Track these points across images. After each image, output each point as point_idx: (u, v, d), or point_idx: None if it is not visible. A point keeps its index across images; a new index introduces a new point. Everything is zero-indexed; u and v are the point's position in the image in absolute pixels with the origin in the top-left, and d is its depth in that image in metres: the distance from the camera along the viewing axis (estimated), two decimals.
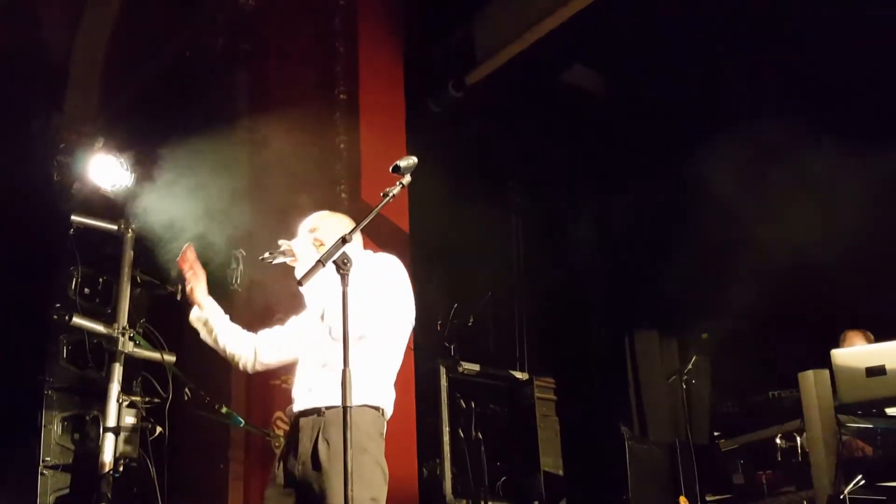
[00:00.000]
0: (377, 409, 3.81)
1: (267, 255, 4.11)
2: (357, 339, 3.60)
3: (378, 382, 3.83)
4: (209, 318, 4.26)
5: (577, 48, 7.74)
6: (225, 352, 4.28)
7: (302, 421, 3.80)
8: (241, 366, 4.30)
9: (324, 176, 6.76)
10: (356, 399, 3.55)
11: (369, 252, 4.16)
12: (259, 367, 4.32)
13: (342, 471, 3.28)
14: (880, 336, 6.06)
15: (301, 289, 3.79)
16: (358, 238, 4.12)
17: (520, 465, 6.74)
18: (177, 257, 4.35)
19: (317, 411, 3.77)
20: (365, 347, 3.74)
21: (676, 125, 7.91)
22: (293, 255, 4.04)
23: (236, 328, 4.32)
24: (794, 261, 7.30)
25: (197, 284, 4.26)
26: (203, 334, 4.32)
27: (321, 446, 3.69)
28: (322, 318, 3.83)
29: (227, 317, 4.33)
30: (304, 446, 3.75)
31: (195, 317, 4.30)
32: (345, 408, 3.35)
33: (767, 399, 6.73)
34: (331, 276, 3.48)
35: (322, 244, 4.05)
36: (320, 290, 3.75)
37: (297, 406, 3.87)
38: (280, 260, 4.09)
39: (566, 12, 7.04)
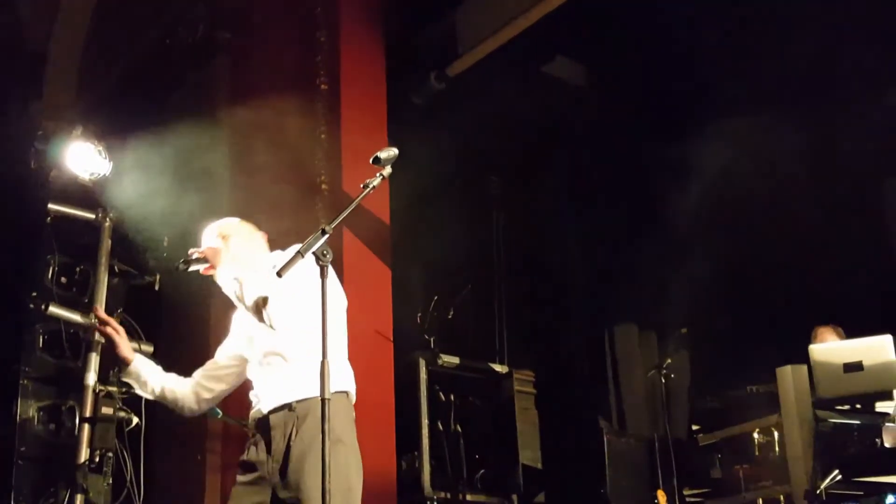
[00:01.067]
0: (345, 392, 3.82)
1: (181, 263, 4.07)
2: (307, 331, 3.68)
3: (339, 366, 3.79)
4: (140, 371, 4.19)
5: (560, 40, 7.73)
6: (165, 399, 4.21)
7: (273, 419, 3.80)
8: (186, 410, 4.24)
9: (304, 166, 6.73)
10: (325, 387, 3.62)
11: (277, 252, 4.14)
12: (205, 406, 4.30)
13: (318, 464, 3.29)
14: (851, 332, 6.10)
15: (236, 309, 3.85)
16: (262, 239, 4.20)
17: (498, 458, 6.73)
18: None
19: (287, 406, 3.78)
20: (309, 340, 3.72)
21: (658, 117, 7.93)
22: (208, 262, 4.01)
23: (172, 376, 4.26)
24: (773, 255, 7.35)
25: (120, 342, 4.20)
26: (138, 389, 4.25)
27: (295, 442, 3.69)
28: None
29: (160, 367, 4.28)
30: (278, 443, 3.75)
31: (125, 376, 4.25)
32: (323, 400, 3.34)
33: (745, 394, 6.76)
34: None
35: (231, 254, 4.04)
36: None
37: (265, 406, 3.86)
38: (195, 268, 4.05)
39: (549, 4, 7.03)
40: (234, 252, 4.05)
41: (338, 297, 3.93)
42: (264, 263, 3.97)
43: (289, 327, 3.78)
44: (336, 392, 3.67)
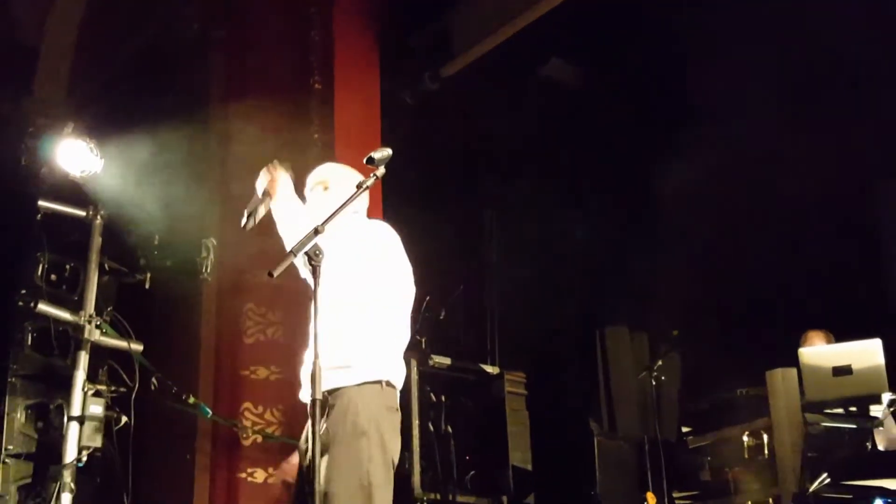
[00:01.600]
0: (378, 383, 3.70)
1: (246, 217, 3.85)
2: (347, 305, 3.64)
3: (377, 353, 3.73)
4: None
5: (555, 42, 7.73)
6: None
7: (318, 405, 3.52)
8: None
9: (297, 165, 6.69)
10: (353, 378, 3.62)
11: (363, 219, 4.07)
12: None
13: (336, 456, 3.40)
14: (840, 337, 6.11)
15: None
16: (356, 203, 3.95)
17: (489, 460, 6.72)
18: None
19: (325, 394, 3.60)
20: (358, 316, 3.70)
21: (653, 119, 7.93)
22: (270, 196, 3.86)
23: None
24: (763, 260, 7.36)
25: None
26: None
27: (321, 435, 3.53)
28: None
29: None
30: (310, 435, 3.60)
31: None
32: (313, 400, 3.33)
33: (735, 396, 6.76)
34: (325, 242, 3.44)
35: (327, 188, 3.97)
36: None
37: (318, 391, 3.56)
38: (263, 212, 3.86)
39: (544, 6, 7.03)
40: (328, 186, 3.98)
41: (395, 283, 3.86)
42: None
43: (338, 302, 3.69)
44: (366, 382, 3.64)
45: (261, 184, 3.95)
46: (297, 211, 3.89)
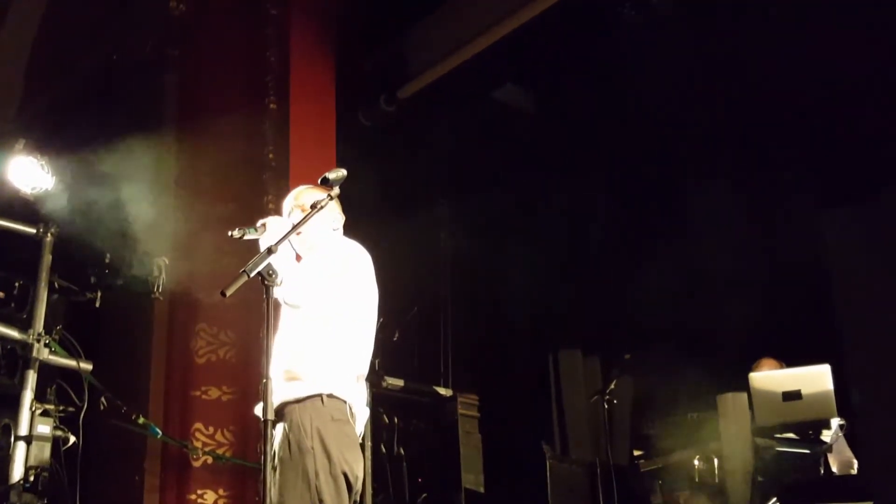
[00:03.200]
0: (318, 396, 3.73)
1: (236, 231, 3.95)
2: (303, 319, 3.75)
3: (323, 367, 3.76)
4: None
5: (509, 67, 7.78)
6: None
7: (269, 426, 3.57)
8: None
9: (252, 185, 6.70)
10: (297, 392, 3.68)
11: (338, 236, 4.15)
12: None
13: (286, 477, 3.48)
14: (800, 361, 6.18)
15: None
16: (334, 221, 4.15)
17: (441, 482, 6.71)
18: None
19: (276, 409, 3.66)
20: (309, 330, 3.75)
21: (605, 144, 8.00)
22: (265, 230, 3.94)
23: None
24: (714, 285, 7.43)
25: None
26: None
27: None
28: None
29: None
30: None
31: None
32: (265, 421, 3.33)
33: (686, 420, 6.81)
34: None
35: (305, 210, 4.03)
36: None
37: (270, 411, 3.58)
38: (251, 236, 3.93)
39: (499, 31, 7.09)
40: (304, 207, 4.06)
41: (354, 296, 3.91)
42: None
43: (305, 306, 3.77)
44: (308, 397, 3.68)
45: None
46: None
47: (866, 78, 6.43)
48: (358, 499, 3.82)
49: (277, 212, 6.37)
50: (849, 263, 6.77)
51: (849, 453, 6.03)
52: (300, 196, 4.16)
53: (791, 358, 6.23)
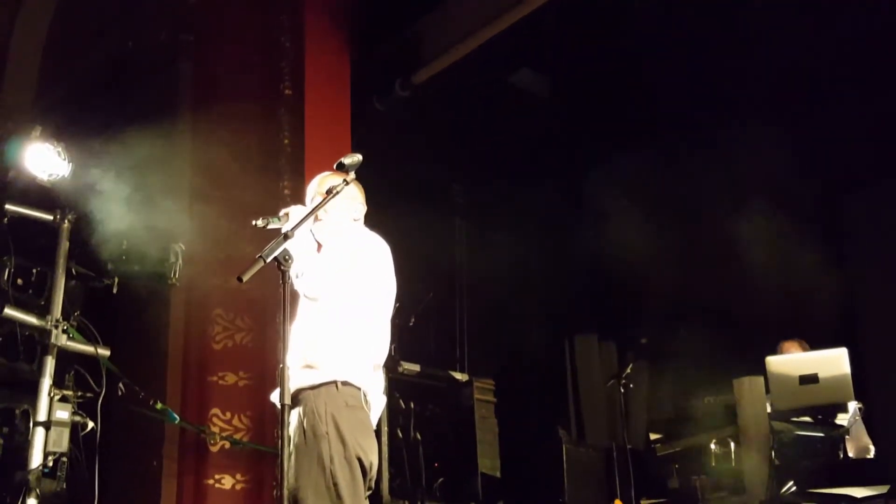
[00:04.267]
0: (333, 383, 3.74)
1: (260, 220, 3.94)
2: (318, 308, 3.75)
3: (337, 355, 3.77)
4: None
5: (524, 52, 7.76)
6: None
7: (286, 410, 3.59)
8: None
9: (267, 171, 6.70)
10: (312, 380, 3.70)
11: (359, 227, 4.13)
12: None
13: (301, 463, 3.50)
14: (817, 345, 6.17)
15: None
16: (353, 211, 4.11)
17: (457, 467, 6.73)
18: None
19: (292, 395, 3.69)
20: (324, 319, 3.77)
21: (621, 129, 7.98)
22: (287, 220, 3.93)
23: None
24: (730, 268, 7.41)
25: None
26: None
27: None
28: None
29: None
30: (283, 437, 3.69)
31: None
32: (282, 405, 3.35)
33: (703, 405, 6.80)
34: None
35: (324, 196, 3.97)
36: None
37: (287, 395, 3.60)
38: (274, 226, 3.92)
39: (513, 16, 7.06)
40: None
41: (371, 286, 3.91)
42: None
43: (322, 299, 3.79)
44: (322, 384, 3.70)
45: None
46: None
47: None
48: (372, 484, 3.84)
49: (293, 197, 6.43)
50: (867, 245, 6.75)
51: (866, 439, 6.01)
52: (323, 182, 4.12)
53: (808, 341, 6.22)
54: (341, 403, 3.73)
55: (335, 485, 3.61)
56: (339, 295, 3.81)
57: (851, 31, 6.58)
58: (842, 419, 5.79)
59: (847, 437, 5.77)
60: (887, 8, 6.36)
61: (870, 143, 6.94)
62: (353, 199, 4.10)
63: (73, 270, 5.60)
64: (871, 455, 5.94)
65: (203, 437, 6.24)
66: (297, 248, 3.64)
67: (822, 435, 5.74)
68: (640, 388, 7.93)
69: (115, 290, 5.74)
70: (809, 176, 7.14)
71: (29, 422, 5.21)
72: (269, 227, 3.92)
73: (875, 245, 7.13)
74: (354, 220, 4.13)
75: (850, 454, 5.84)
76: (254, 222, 3.93)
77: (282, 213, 3.96)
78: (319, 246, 4.04)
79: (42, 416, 5.11)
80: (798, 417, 5.81)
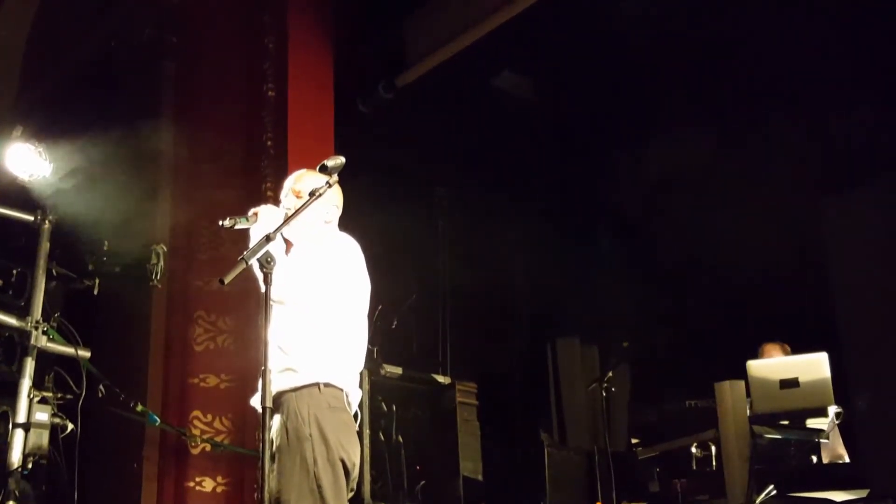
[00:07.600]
0: (315, 385, 3.73)
1: (227, 220, 3.92)
2: (298, 311, 3.73)
3: (319, 357, 3.76)
4: None
5: (507, 54, 7.77)
6: None
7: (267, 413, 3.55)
8: None
9: (250, 172, 6.69)
10: (294, 382, 3.68)
11: (332, 230, 4.10)
12: None
13: (284, 465, 3.49)
14: (797, 349, 6.19)
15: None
16: (327, 214, 4.07)
17: (439, 470, 6.72)
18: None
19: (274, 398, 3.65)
20: (305, 321, 3.75)
21: (604, 131, 8.00)
22: (256, 220, 3.90)
23: None
24: (711, 273, 7.44)
25: None
26: None
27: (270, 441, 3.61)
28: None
29: None
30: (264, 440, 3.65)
31: None
32: (263, 408, 3.34)
33: (684, 408, 6.81)
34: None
35: (299, 195, 3.98)
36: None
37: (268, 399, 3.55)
38: (242, 226, 3.90)
39: (497, 19, 7.07)
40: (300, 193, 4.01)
41: (349, 288, 3.90)
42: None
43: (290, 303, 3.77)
44: (304, 386, 3.69)
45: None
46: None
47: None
48: (354, 486, 3.83)
49: (276, 198, 6.40)
50: (846, 249, 6.78)
51: (841, 449, 6.05)
52: (299, 180, 4.09)
53: (793, 345, 6.24)
54: (324, 405, 3.72)
55: (319, 487, 3.60)
56: (315, 298, 3.79)
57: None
58: (822, 423, 5.82)
59: (824, 442, 5.79)
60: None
61: (849, 146, 6.98)
62: (327, 202, 4.04)
63: (54, 271, 5.57)
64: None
65: (184, 440, 6.21)
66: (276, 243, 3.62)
67: (801, 439, 5.76)
68: (622, 392, 7.95)
69: (95, 292, 5.72)
70: (791, 179, 7.17)
71: (8, 423, 5.18)
72: (237, 227, 3.90)
73: (856, 249, 7.16)
74: (326, 222, 4.08)
75: (825, 460, 5.86)
76: (221, 223, 3.89)
77: (250, 212, 3.93)
78: (288, 245, 4.00)
79: (21, 417, 5.09)
80: (779, 421, 5.83)
